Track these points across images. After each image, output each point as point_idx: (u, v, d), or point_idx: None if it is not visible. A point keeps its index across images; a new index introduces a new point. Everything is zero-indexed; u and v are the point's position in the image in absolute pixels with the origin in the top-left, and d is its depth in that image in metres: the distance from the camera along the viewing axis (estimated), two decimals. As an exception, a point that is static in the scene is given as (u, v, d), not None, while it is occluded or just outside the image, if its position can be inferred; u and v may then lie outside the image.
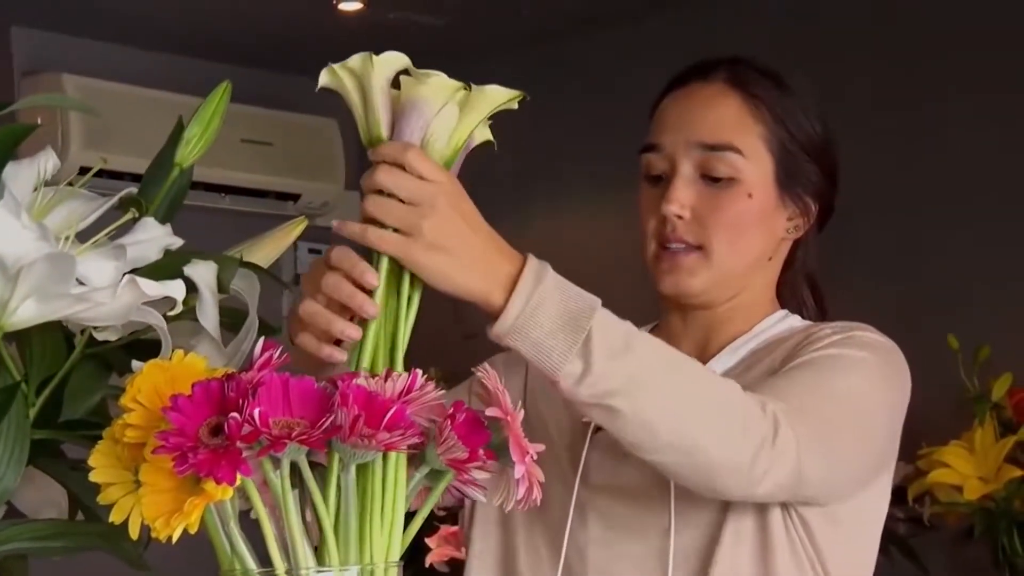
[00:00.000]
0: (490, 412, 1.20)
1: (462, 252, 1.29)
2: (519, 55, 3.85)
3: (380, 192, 1.26)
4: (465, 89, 1.26)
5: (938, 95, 3.15)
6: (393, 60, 1.24)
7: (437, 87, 1.24)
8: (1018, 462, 2.50)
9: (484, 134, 1.29)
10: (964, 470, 2.51)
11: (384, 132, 1.25)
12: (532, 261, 1.33)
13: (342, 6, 3.74)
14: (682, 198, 1.58)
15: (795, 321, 1.68)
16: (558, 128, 3.69)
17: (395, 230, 1.25)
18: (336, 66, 1.23)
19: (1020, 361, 2.57)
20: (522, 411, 1.24)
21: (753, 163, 1.61)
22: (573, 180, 3.81)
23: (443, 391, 1.14)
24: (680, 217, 1.58)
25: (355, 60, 1.23)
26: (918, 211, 3.03)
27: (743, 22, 3.35)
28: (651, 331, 1.73)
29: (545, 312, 1.32)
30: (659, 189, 1.61)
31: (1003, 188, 2.93)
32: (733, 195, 1.60)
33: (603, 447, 1.61)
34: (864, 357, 1.57)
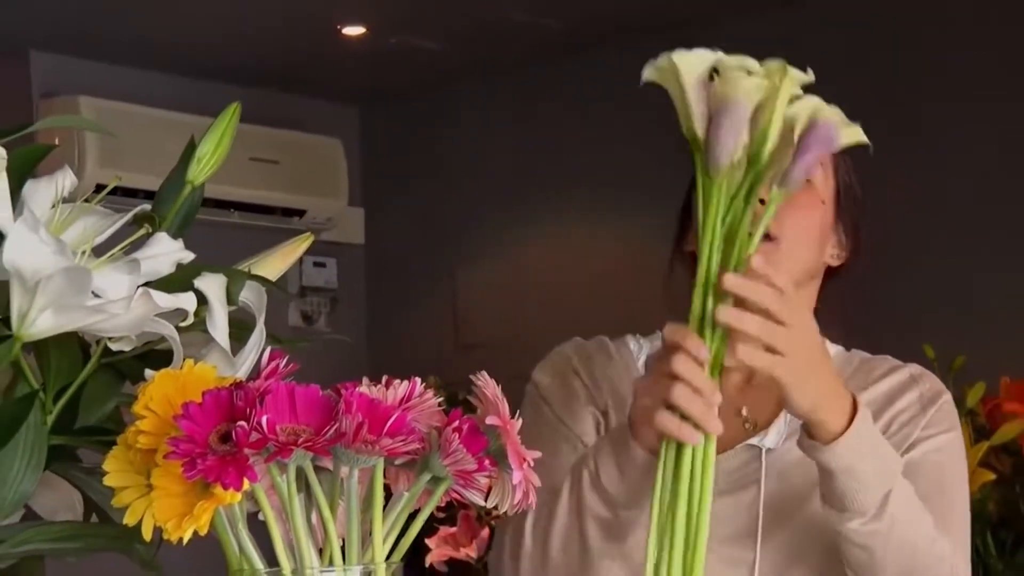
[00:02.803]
0: (490, 420, 1.20)
1: (820, 377, 1.43)
2: (512, 76, 3.85)
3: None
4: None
5: (911, 116, 3.16)
6: (697, 61, 1.24)
7: (747, 89, 1.24)
8: (991, 467, 2.50)
9: (855, 135, 1.31)
10: (940, 474, 2.51)
11: (699, 129, 1.27)
12: (860, 400, 1.47)
13: (346, 31, 3.74)
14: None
15: (833, 347, 1.73)
16: (553, 145, 3.69)
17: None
18: (655, 62, 1.24)
19: (993, 371, 2.57)
20: (519, 420, 1.25)
21: (825, 175, 1.65)
22: (572, 194, 3.81)
23: (441, 399, 1.15)
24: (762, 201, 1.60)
25: (664, 58, 1.24)
26: (899, 228, 3.03)
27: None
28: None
29: (870, 448, 1.46)
30: None
31: (978, 205, 2.93)
32: (808, 194, 1.63)
33: None
34: (964, 458, 1.69)
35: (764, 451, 1.64)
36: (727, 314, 1.30)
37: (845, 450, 1.46)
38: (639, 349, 1.75)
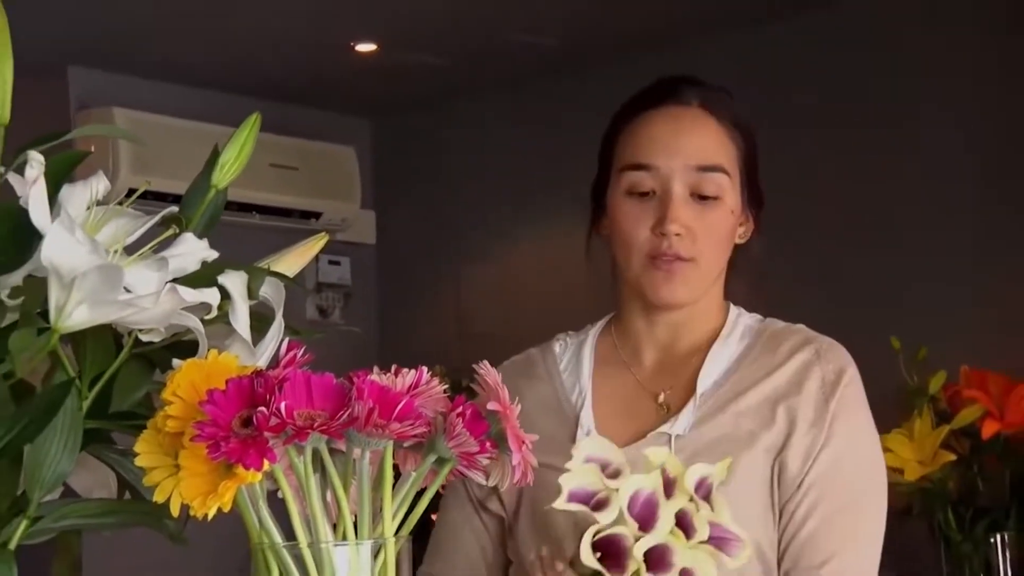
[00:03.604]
0: (491, 406, 1.19)
1: None
2: (512, 90, 3.84)
3: None
4: None
5: (876, 112, 3.15)
6: None
7: None
8: (952, 448, 2.50)
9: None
10: (905, 455, 2.51)
11: None
12: None
13: (359, 48, 3.74)
14: (681, 218, 1.55)
15: (748, 319, 1.66)
16: (550, 153, 3.69)
17: None
18: None
19: (953, 360, 2.57)
20: (518, 406, 1.24)
21: (733, 182, 1.60)
22: (567, 199, 3.80)
23: (446, 386, 1.14)
24: (678, 235, 1.56)
25: None
26: (863, 222, 3.03)
27: (729, 61, 3.35)
28: (606, 327, 1.71)
29: None
30: (649, 205, 1.57)
31: (943, 198, 2.93)
32: (720, 212, 1.58)
33: None
34: (874, 441, 1.59)
35: (673, 437, 1.56)
36: None
37: None
38: (564, 349, 1.70)
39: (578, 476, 1.22)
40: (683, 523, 1.20)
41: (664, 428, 1.57)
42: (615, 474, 1.22)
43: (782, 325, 1.65)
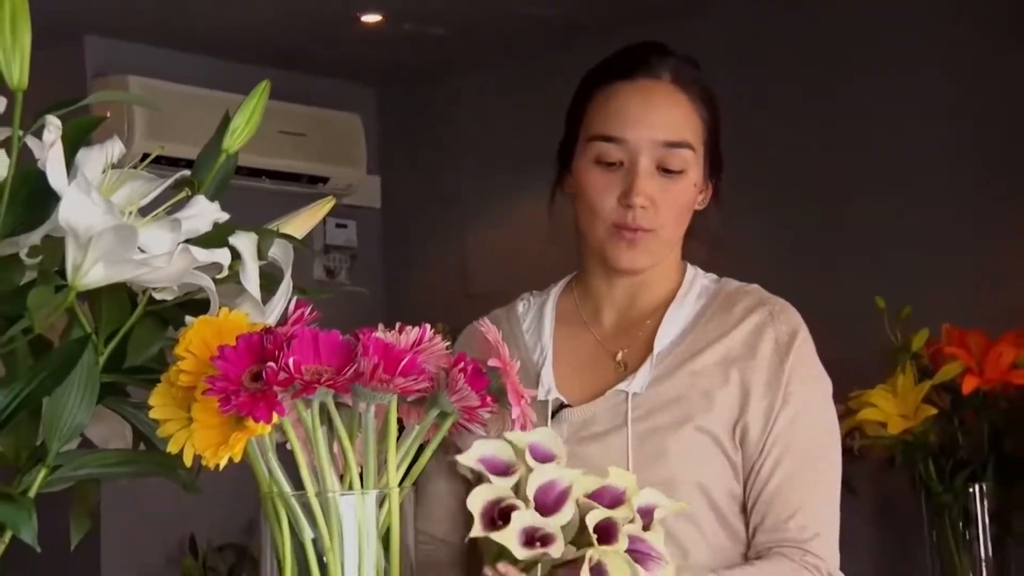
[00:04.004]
0: (492, 363, 1.19)
1: None
2: (514, 60, 3.83)
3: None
4: None
5: (856, 74, 3.12)
6: None
7: None
8: (933, 402, 2.50)
9: None
10: (888, 409, 2.52)
11: None
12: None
13: (364, 18, 3.72)
14: (647, 190, 1.54)
15: (704, 279, 1.65)
16: (550, 122, 3.67)
17: None
18: None
19: (935, 319, 2.57)
20: (518, 362, 1.24)
21: (696, 156, 1.58)
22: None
23: (448, 343, 1.14)
24: (643, 207, 1.55)
25: None
26: (848, 187, 3.02)
27: (729, 33, 3.34)
28: (567, 286, 1.69)
29: None
30: (615, 176, 1.55)
31: (924, 158, 2.92)
32: (684, 186, 1.57)
33: (565, 425, 1.56)
34: (828, 398, 1.58)
35: (630, 395, 1.55)
36: None
37: None
38: (527, 308, 1.69)
39: (494, 446, 1.20)
40: (606, 531, 1.17)
41: (621, 386, 1.57)
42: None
43: (736, 285, 1.64)
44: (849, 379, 2.53)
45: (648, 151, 1.55)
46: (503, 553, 1.18)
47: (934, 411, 2.49)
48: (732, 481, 1.54)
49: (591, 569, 1.15)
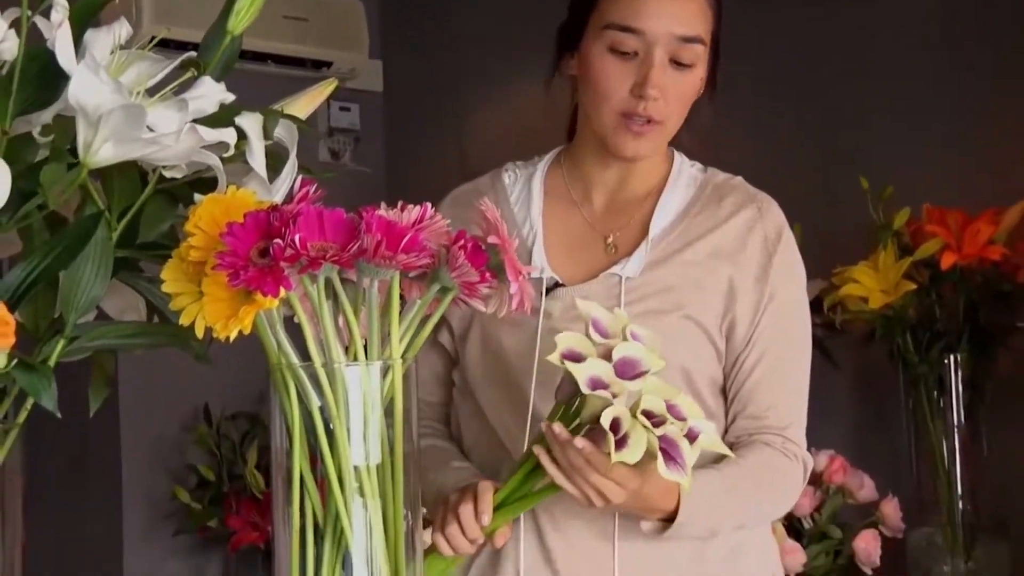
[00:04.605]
0: (491, 239, 1.19)
1: (642, 507, 1.44)
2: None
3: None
4: None
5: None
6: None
7: None
8: (912, 278, 2.51)
9: None
10: (869, 285, 2.52)
11: None
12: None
13: (365, -96, 3.64)
14: (660, 83, 1.51)
15: (691, 167, 1.64)
16: (547, 10, 3.62)
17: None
18: None
19: (917, 198, 2.56)
20: (517, 239, 1.24)
21: (706, 50, 1.56)
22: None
23: (448, 220, 1.14)
24: (655, 99, 1.52)
25: None
26: (835, 68, 2.98)
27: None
28: (556, 160, 1.67)
29: (700, 519, 1.48)
30: (629, 66, 1.52)
31: (908, 44, 2.88)
32: (692, 79, 1.55)
33: (558, 304, 1.55)
34: (805, 292, 1.60)
35: (623, 279, 1.55)
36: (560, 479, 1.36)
37: (675, 532, 1.46)
38: (513, 180, 1.67)
39: (605, 313, 1.37)
40: (651, 420, 1.31)
41: (615, 270, 1.56)
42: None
43: (723, 177, 1.63)
44: (832, 256, 2.54)
45: (664, 44, 1.52)
46: (562, 417, 1.33)
47: (913, 286, 2.49)
48: (715, 367, 1.56)
49: (611, 428, 1.28)
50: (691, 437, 1.31)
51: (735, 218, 1.58)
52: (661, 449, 1.29)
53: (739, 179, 1.63)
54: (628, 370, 1.33)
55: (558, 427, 1.32)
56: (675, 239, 1.57)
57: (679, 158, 1.64)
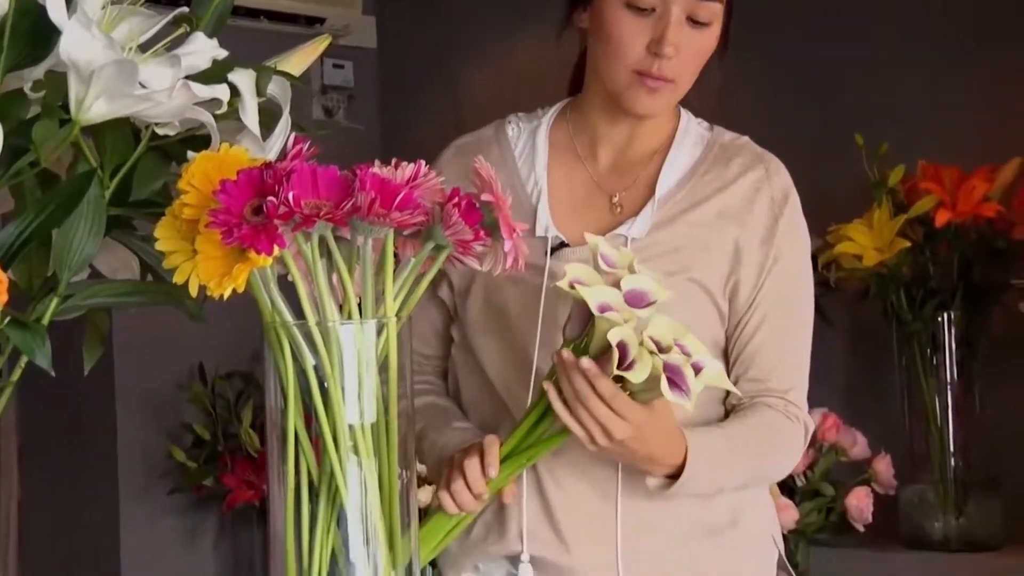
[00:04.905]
0: (485, 197, 1.18)
1: (654, 447, 1.42)
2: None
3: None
4: None
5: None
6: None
7: None
8: (907, 236, 2.51)
9: None
10: (864, 242, 2.52)
11: None
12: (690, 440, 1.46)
13: None
14: (677, 41, 1.49)
15: (697, 125, 1.62)
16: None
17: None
18: None
19: (911, 156, 2.56)
20: (510, 196, 1.23)
21: (722, 9, 1.53)
22: (555, 9, 3.72)
23: (442, 178, 1.13)
24: (670, 57, 1.49)
25: None
26: (830, 25, 2.97)
27: None
28: (561, 113, 1.64)
29: (703, 476, 1.48)
30: (646, 22, 1.49)
31: (906, 6, 2.87)
32: (708, 37, 1.52)
33: (563, 264, 1.55)
34: (809, 256, 1.60)
35: (629, 240, 1.52)
36: (568, 420, 1.36)
37: (680, 489, 1.46)
38: (517, 133, 1.64)
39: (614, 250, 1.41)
40: (658, 348, 1.32)
41: (621, 230, 1.54)
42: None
43: (730, 137, 1.61)
44: (828, 214, 2.54)
45: (682, 1, 1.50)
46: (575, 348, 1.35)
47: (908, 244, 2.49)
48: (718, 330, 1.55)
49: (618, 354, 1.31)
50: (696, 369, 1.32)
51: (742, 179, 1.56)
52: (666, 375, 1.30)
53: (746, 139, 1.62)
54: (636, 301, 1.34)
55: (566, 352, 1.33)
56: (682, 199, 1.56)
57: (685, 115, 1.62)
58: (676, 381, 1.30)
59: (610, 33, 1.52)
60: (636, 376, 1.30)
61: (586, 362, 1.31)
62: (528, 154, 1.62)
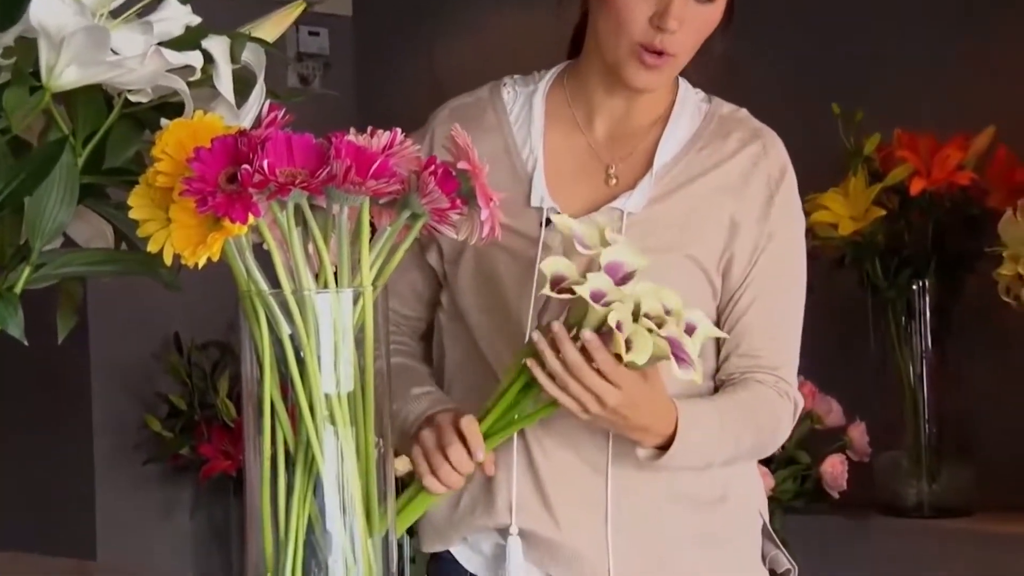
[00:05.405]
0: (461, 165, 1.18)
1: (645, 416, 1.42)
2: None
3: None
4: None
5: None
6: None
7: None
8: (882, 204, 2.52)
9: None
10: (839, 211, 2.53)
11: None
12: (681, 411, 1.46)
13: None
14: (682, 15, 1.47)
15: (695, 96, 1.60)
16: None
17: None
18: None
19: (887, 124, 2.56)
20: (487, 164, 1.22)
21: None
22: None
23: (418, 146, 1.12)
24: (673, 32, 1.47)
25: None
26: (809, 4, 2.97)
27: None
28: (558, 78, 1.62)
29: (694, 450, 1.48)
30: None
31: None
32: (714, 12, 1.50)
33: (558, 235, 1.50)
34: (803, 232, 1.61)
35: (625, 214, 1.51)
36: (558, 394, 1.36)
37: (670, 460, 1.46)
38: (513, 97, 1.61)
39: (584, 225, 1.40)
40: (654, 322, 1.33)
41: (617, 204, 1.53)
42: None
43: (728, 109, 1.60)
44: (803, 183, 2.54)
45: None
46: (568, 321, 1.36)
47: (883, 212, 2.50)
48: (710, 305, 1.55)
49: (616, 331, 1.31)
50: (689, 331, 1.33)
51: (740, 154, 1.55)
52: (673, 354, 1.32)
53: (744, 111, 1.61)
54: (615, 272, 1.34)
55: (556, 325, 1.34)
56: (679, 173, 1.55)
57: (683, 86, 1.60)
58: (678, 354, 1.31)
59: (614, 5, 1.49)
60: (639, 357, 1.31)
61: (588, 334, 1.32)
62: (524, 119, 1.60)
